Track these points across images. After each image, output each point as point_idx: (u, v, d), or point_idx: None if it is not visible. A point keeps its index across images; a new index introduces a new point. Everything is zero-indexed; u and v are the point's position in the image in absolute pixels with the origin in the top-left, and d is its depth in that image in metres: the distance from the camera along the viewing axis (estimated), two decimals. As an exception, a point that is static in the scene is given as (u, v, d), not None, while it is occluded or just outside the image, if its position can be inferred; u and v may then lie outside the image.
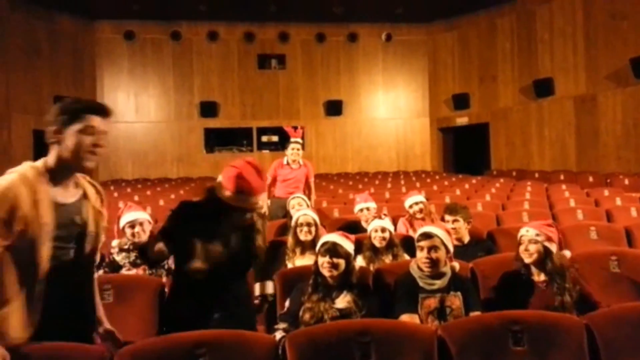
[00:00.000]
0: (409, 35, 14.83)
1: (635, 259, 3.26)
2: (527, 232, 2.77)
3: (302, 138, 5.66)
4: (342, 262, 2.62)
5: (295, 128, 5.58)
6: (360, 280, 2.74)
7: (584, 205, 5.98)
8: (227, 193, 2.18)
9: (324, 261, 2.63)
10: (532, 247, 2.73)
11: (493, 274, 2.96)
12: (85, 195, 1.95)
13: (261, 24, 14.11)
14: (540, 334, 2.08)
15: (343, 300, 2.58)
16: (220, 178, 2.27)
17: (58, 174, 1.85)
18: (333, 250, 2.63)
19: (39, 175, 1.80)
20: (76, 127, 1.81)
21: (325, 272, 2.62)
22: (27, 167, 1.81)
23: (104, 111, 1.87)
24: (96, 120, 1.83)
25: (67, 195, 1.88)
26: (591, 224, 4.48)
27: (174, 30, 13.82)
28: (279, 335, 2.35)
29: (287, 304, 2.70)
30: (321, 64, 14.55)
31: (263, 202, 2.44)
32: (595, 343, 2.08)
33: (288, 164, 5.49)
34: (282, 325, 2.54)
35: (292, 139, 5.50)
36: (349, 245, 2.69)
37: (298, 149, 5.49)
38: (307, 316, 2.53)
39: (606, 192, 7.26)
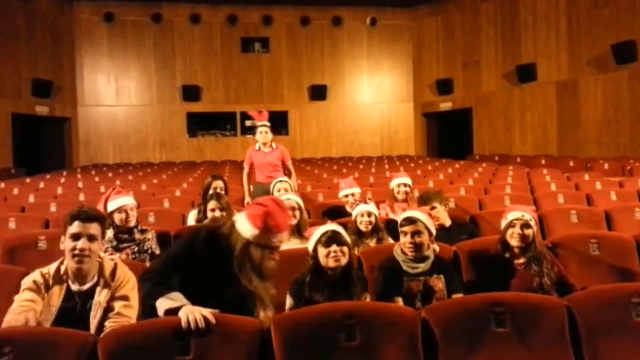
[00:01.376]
0: (393, 20, 14.77)
1: (615, 242, 3.32)
2: (523, 216, 2.79)
3: (271, 120, 5.52)
4: (346, 251, 2.51)
5: (260, 112, 5.49)
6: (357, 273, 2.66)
7: (565, 190, 6.06)
8: (254, 231, 2.08)
9: (329, 250, 2.48)
10: (527, 231, 2.77)
11: (475, 257, 3.00)
12: (99, 283, 2.25)
13: (244, 6, 13.92)
14: (522, 315, 2.11)
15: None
16: (239, 216, 2.17)
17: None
18: (336, 238, 2.51)
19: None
20: (67, 233, 2.20)
21: (331, 263, 2.47)
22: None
23: (81, 217, 2.18)
24: (76, 227, 2.17)
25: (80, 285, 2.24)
26: (572, 207, 4.54)
27: (155, 12, 13.56)
28: None
29: (289, 302, 2.53)
30: (305, 48, 14.43)
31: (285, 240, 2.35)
32: (575, 324, 2.12)
33: (260, 149, 5.42)
34: None
35: (258, 123, 5.41)
36: (346, 235, 2.60)
37: (266, 132, 5.37)
38: None
39: (586, 177, 7.37)
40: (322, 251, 2.50)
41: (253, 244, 2.09)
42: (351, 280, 2.52)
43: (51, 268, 2.26)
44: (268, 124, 5.42)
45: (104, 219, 2.31)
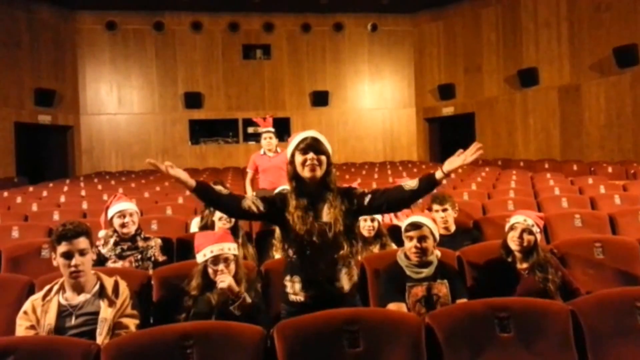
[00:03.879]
0: (394, 26, 14.81)
1: (619, 245, 3.30)
2: (525, 221, 2.78)
3: (275, 126, 5.55)
4: (324, 160, 2.26)
5: (264, 118, 5.53)
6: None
7: (569, 194, 6.04)
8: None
9: (305, 158, 2.23)
10: (527, 237, 2.75)
11: (479, 262, 2.99)
12: (101, 300, 2.31)
13: (246, 13, 13.98)
14: (526, 320, 2.10)
15: (328, 214, 2.25)
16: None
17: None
18: (315, 146, 2.25)
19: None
20: (57, 252, 2.26)
21: (307, 173, 2.23)
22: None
23: (68, 235, 2.23)
24: (65, 246, 2.23)
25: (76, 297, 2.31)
26: (575, 211, 4.52)
27: (157, 20, 13.64)
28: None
29: (257, 203, 2.27)
30: (307, 54, 14.47)
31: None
32: (580, 328, 2.10)
33: (264, 154, 5.45)
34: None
35: (262, 129, 5.44)
36: (328, 144, 2.34)
37: (271, 137, 5.40)
38: (298, 227, 2.21)
39: (590, 180, 7.34)
40: (298, 158, 2.25)
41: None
42: (331, 192, 2.27)
43: (41, 292, 2.32)
44: (272, 129, 5.45)
45: (89, 231, 2.33)
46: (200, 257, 2.55)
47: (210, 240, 2.56)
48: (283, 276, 2.36)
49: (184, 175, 2.16)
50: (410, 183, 2.18)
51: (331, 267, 2.26)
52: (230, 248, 2.56)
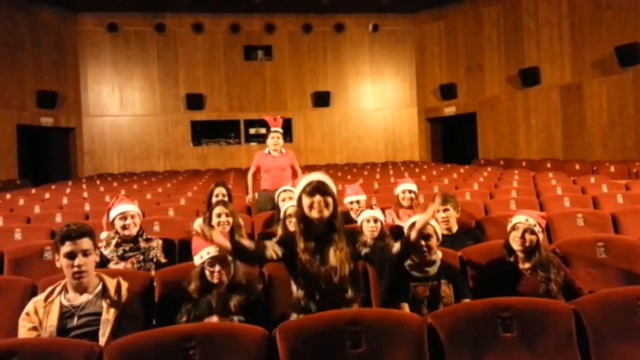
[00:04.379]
0: (395, 26, 14.80)
1: (622, 245, 3.29)
2: (526, 221, 2.77)
3: (283, 128, 5.62)
4: (330, 202, 2.39)
5: (275, 118, 5.57)
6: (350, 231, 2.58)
7: (571, 193, 6.02)
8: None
9: (312, 201, 2.37)
10: (529, 237, 2.74)
11: (481, 262, 2.98)
12: (104, 300, 2.32)
13: (247, 14, 13.98)
14: (529, 320, 2.09)
15: (334, 257, 2.38)
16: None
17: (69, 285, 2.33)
18: (321, 188, 2.39)
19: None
20: (61, 253, 2.26)
21: (315, 214, 2.36)
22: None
23: (72, 235, 2.24)
24: (68, 246, 2.23)
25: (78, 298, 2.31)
26: (578, 211, 4.51)
27: (158, 22, 13.65)
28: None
29: (274, 248, 2.41)
30: (308, 55, 14.47)
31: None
32: (583, 328, 2.10)
33: (269, 153, 5.49)
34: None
35: (272, 129, 5.50)
36: (333, 186, 2.48)
37: (278, 137, 5.47)
38: (307, 270, 2.35)
39: (592, 180, 7.32)
40: (305, 201, 2.40)
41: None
42: (337, 233, 2.41)
43: (44, 294, 2.32)
44: (281, 130, 5.55)
45: (93, 232, 2.34)
46: (197, 260, 2.55)
47: (207, 242, 2.56)
48: (290, 311, 2.44)
49: (223, 241, 2.31)
50: (396, 245, 2.44)
51: (337, 309, 2.32)
52: None
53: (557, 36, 11.70)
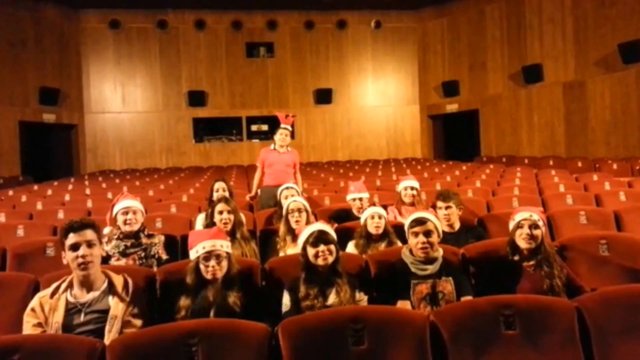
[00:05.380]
0: (398, 23, 14.77)
1: (624, 242, 3.28)
2: (531, 217, 2.75)
3: (292, 126, 5.69)
4: (333, 249, 2.64)
5: (287, 116, 5.62)
6: (347, 271, 2.72)
7: (574, 191, 6.01)
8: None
9: (317, 250, 2.60)
10: (535, 232, 2.73)
11: (483, 260, 2.98)
12: (112, 296, 2.32)
13: (249, 11, 13.97)
14: (531, 317, 2.09)
15: (334, 298, 2.56)
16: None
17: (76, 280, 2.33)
18: (324, 238, 2.63)
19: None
20: (66, 247, 2.27)
21: (320, 262, 2.59)
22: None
23: (74, 227, 2.26)
24: (72, 238, 2.25)
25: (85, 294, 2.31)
26: (580, 208, 4.50)
27: (160, 19, 13.64)
28: None
29: (285, 301, 2.61)
30: (310, 52, 14.45)
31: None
32: (585, 325, 2.10)
33: (275, 149, 5.54)
34: None
35: (282, 125, 5.56)
36: (332, 232, 2.72)
37: (287, 135, 5.58)
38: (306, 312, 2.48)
39: (595, 177, 7.31)
40: (310, 251, 2.63)
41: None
42: (339, 276, 2.61)
43: (49, 289, 2.32)
44: (290, 128, 5.66)
45: (96, 225, 2.35)
46: (192, 254, 2.56)
47: (203, 237, 2.57)
48: None
49: None
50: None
51: None
52: (223, 245, 2.56)
53: (560, 33, 11.67)
